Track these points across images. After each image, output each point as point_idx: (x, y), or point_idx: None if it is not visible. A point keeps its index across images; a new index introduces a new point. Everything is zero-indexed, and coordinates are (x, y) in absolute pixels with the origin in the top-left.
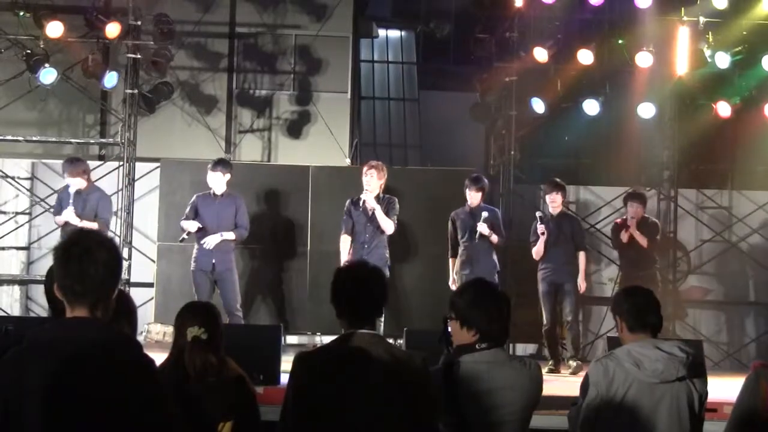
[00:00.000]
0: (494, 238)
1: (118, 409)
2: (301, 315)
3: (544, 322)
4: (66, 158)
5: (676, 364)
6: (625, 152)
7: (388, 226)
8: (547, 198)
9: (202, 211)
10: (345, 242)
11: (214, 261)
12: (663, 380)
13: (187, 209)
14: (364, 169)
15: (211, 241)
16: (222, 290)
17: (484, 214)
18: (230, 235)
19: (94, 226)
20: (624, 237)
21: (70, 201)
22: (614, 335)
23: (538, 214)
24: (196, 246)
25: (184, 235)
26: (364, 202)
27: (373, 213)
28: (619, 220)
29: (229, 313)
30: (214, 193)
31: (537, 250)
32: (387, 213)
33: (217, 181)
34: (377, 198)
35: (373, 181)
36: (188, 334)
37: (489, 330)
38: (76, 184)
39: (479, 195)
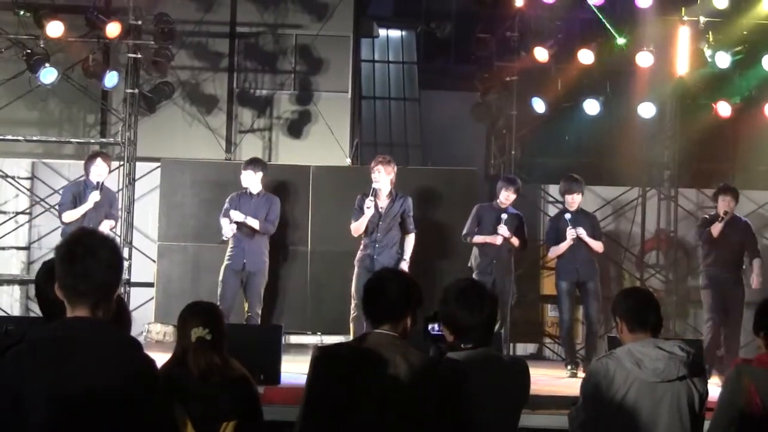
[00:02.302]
0: (515, 240)
1: (118, 409)
2: (301, 315)
3: (561, 323)
4: (96, 152)
5: (677, 363)
6: (625, 152)
7: (414, 235)
8: (568, 197)
9: (237, 208)
10: (353, 227)
11: (245, 261)
12: (664, 379)
13: (225, 206)
14: (372, 165)
15: (235, 216)
16: (248, 290)
17: (504, 216)
18: (255, 223)
19: (110, 224)
20: (716, 231)
21: (91, 191)
22: (615, 335)
23: (567, 216)
24: (231, 244)
25: (225, 236)
26: (374, 194)
27: (386, 211)
28: (707, 215)
29: (249, 314)
30: (250, 192)
31: (557, 251)
32: (405, 219)
33: (251, 180)
34: (390, 194)
35: (382, 177)
36: (192, 334)
37: (471, 329)
38: (104, 173)
39: (515, 197)
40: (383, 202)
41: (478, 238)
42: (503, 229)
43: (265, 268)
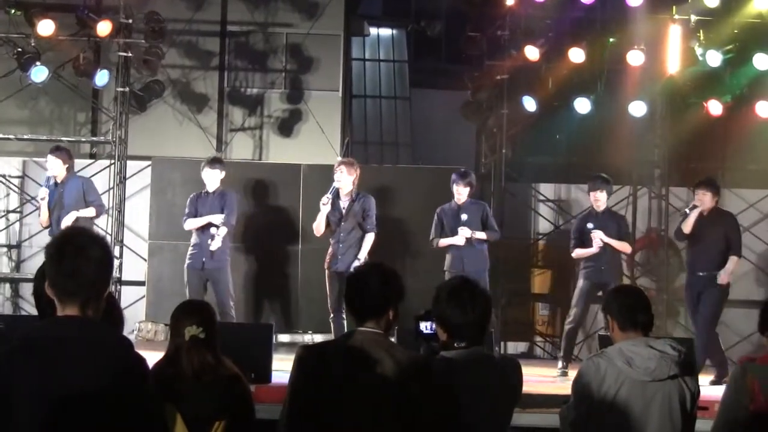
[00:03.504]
0: (481, 235)
1: (108, 408)
2: (292, 313)
3: (569, 318)
4: (51, 148)
5: (668, 362)
6: (616, 151)
7: (372, 235)
8: (591, 194)
9: (199, 209)
10: (315, 225)
11: (204, 259)
12: (655, 378)
13: (188, 208)
14: (335, 165)
15: (215, 245)
16: (215, 288)
17: (464, 217)
18: (223, 230)
19: (90, 212)
20: (686, 226)
21: (46, 189)
22: (605, 333)
23: (589, 225)
24: (191, 243)
25: (217, 235)
26: (336, 194)
27: (347, 211)
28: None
29: (222, 312)
30: (206, 191)
31: (580, 254)
32: (364, 218)
33: (214, 178)
34: (350, 194)
35: (344, 177)
36: (186, 333)
37: (464, 328)
38: (56, 168)
39: (467, 190)
40: (344, 202)
41: (442, 242)
42: (464, 231)
43: (227, 266)
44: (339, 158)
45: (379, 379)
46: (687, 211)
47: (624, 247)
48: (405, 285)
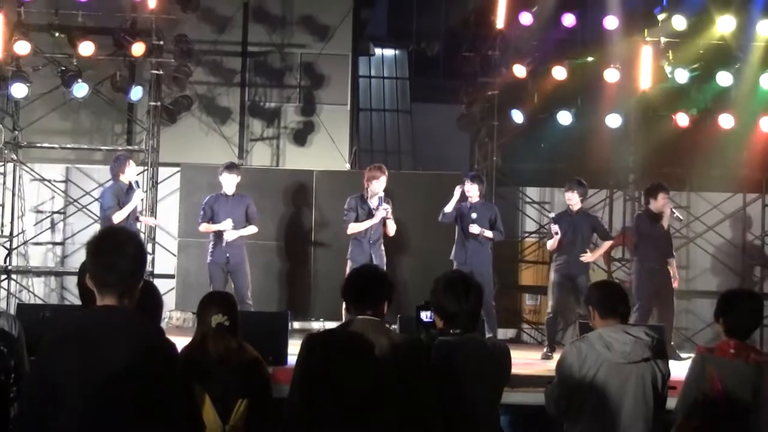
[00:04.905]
0: (488, 234)
1: (142, 389)
2: (305, 303)
3: (548, 310)
4: (126, 155)
5: (642, 346)
6: (594, 158)
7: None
8: (565, 195)
9: (216, 209)
10: (354, 228)
11: (228, 255)
12: (630, 361)
13: (203, 210)
14: (375, 173)
15: (230, 236)
16: (235, 281)
17: (473, 215)
18: (249, 230)
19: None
20: (664, 223)
21: (131, 191)
22: (585, 321)
23: (552, 215)
24: (211, 241)
25: (227, 236)
26: (370, 200)
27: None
28: (641, 212)
29: (240, 301)
30: (225, 194)
31: (550, 246)
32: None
33: (233, 182)
34: (379, 198)
35: (383, 184)
36: (212, 321)
37: (459, 316)
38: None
39: (476, 187)
40: (375, 204)
41: (447, 207)
42: (474, 228)
43: (246, 261)
44: (377, 165)
45: (380, 358)
46: (681, 217)
47: (605, 246)
48: (405, 280)
